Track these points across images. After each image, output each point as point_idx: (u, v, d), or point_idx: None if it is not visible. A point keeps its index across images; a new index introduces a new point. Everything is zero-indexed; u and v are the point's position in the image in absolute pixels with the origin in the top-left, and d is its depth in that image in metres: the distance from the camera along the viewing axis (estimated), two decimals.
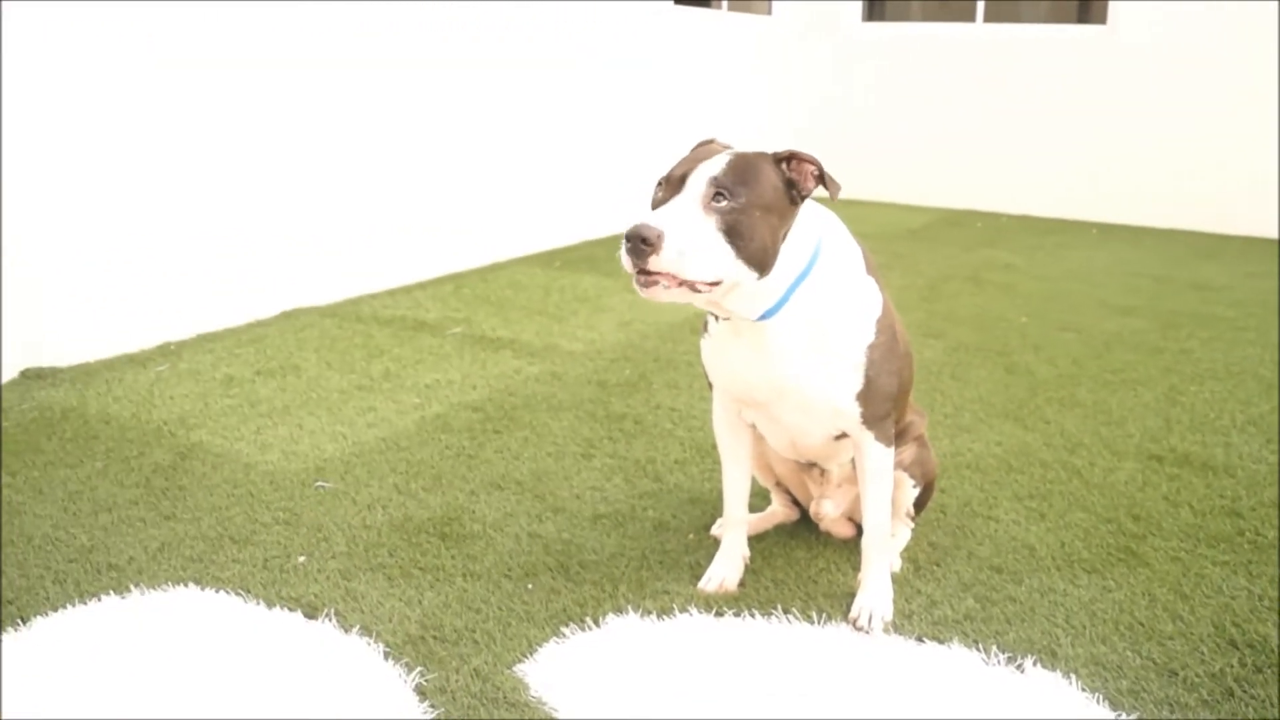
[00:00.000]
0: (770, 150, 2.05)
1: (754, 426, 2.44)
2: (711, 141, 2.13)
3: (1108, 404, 3.76)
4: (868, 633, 2.28)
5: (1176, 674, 2.14)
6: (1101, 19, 7.97)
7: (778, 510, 2.79)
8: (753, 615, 2.35)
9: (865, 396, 2.19)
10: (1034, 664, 2.16)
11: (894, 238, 7.14)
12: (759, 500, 2.79)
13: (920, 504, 2.61)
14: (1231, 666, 2.16)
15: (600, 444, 3.34)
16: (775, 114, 8.78)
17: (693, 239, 1.88)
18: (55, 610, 2.33)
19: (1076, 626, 2.30)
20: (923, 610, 2.37)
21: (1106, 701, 2.05)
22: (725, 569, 2.48)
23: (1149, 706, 2.03)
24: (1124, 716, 2.00)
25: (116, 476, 3.07)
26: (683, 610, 2.35)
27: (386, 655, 2.18)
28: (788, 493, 2.76)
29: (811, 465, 2.59)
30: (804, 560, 2.61)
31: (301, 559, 2.59)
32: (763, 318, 2.08)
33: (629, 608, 2.36)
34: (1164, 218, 7.86)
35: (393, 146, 5.46)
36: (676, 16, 7.47)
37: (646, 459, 3.22)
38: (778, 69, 8.84)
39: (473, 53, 5.81)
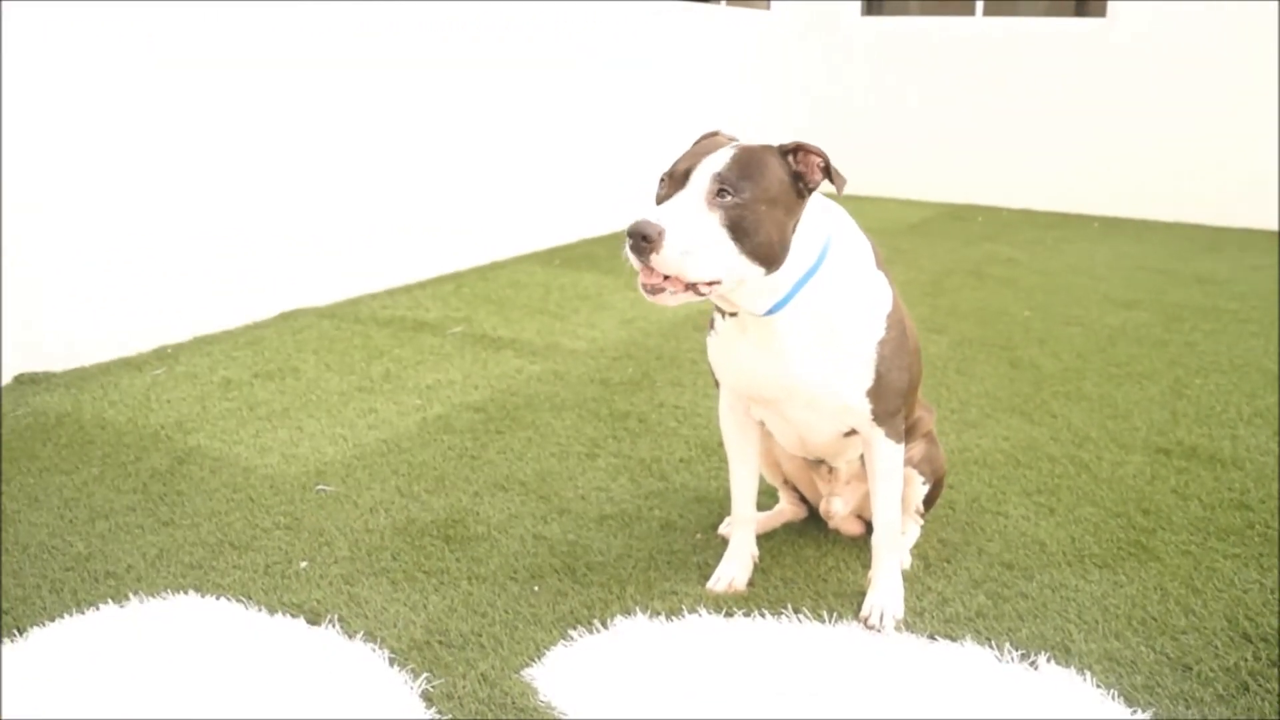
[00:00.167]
0: (776, 143, 2.02)
1: (761, 424, 2.41)
2: (716, 134, 2.10)
3: (1113, 398, 3.74)
4: (879, 631, 2.25)
5: (1191, 669, 2.11)
6: (1100, 12, 7.94)
7: (786, 508, 2.76)
8: (763, 615, 2.32)
9: (876, 393, 2.16)
10: (1048, 661, 2.13)
11: (895, 233, 7.11)
12: (767, 498, 2.77)
13: (930, 501, 2.58)
14: (1246, 660, 2.13)
15: (604, 443, 3.31)
16: (774, 110, 8.75)
17: (695, 236, 1.85)
18: (52, 620, 2.30)
19: (1089, 622, 2.28)
20: (934, 608, 2.34)
21: (1121, 698, 2.02)
22: (734, 568, 2.45)
23: (1164, 702, 2.01)
24: (1139, 713, 1.98)
25: (113, 482, 3.03)
26: (692, 611, 2.33)
27: (391, 661, 2.14)
28: (796, 491, 2.73)
29: (820, 463, 2.56)
30: (813, 559, 2.58)
31: (303, 564, 2.55)
32: (770, 312, 2.05)
33: (637, 609, 2.33)
34: (1165, 211, 7.83)
35: (390, 145, 5.43)
36: (675, 12, 7.44)
37: (652, 458, 3.19)
38: (777, 64, 8.82)
39: (469, 51, 5.78)
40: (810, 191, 2.01)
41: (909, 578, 2.45)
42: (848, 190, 2.03)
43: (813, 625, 2.29)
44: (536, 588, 2.44)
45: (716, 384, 2.40)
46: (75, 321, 4.11)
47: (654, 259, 1.83)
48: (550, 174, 6.56)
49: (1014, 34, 8.23)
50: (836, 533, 2.69)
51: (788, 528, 2.74)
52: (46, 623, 2.28)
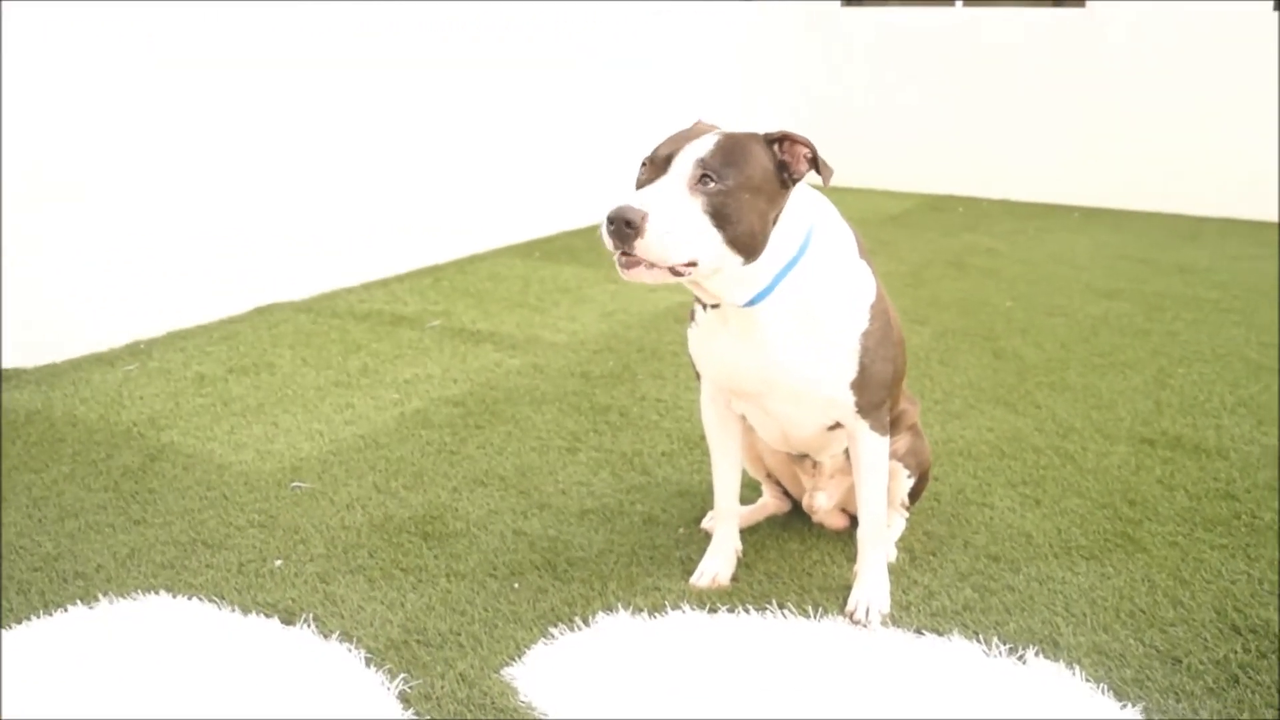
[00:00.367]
0: (762, 131, 1.98)
1: (744, 417, 2.37)
2: (699, 122, 2.06)
3: (1097, 388, 3.72)
4: (865, 626, 2.22)
5: (1180, 661, 2.09)
6: (1079, 2, 7.93)
7: (769, 502, 2.72)
8: (747, 610, 2.28)
9: (860, 385, 2.13)
10: (1036, 655, 2.11)
11: (875, 224, 7.09)
12: (750, 492, 2.73)
13: (915, 494, 2.55)
14: (1235, 653, 2.11)
15: (585, 437, 3.26)
16: (753, 101, 8.71)
17: (677, 221, 1.82)
18: (19, 623, 2.24)
19: (1077, 615, 2.25)
20: (920, 602, 2.31)
21: (1111, 692, 2.00)
22: (717, 563, 2.41)
23: (1154, 696, 1.98)
24: (1129, 707, 1.95)
25: (83, 480, 2.97)
26: (675, 607, 2.29)
27: (368, 661, 2.10)
28: (779, 484, 2.69)
29: (803, 456, 2.53)
30: (798, 553, 2.54)
31: (278, 562, 2.50)
32: (751, 304, 2.02)
33: (619, 606, 2.29)
34: (1144, 201, 7.83)
35: (367, 138, 5.36)
36: (652, 5, 7.38)
37: (633, 452, 3.15)
38: (755, 55, 8.78)
39: (444, 46, 5.71)
40: (795, 182, 1.97)
41: (895, 571, 2.41)
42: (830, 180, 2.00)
43: (798, 620, 2.25)
44: (516, 585, 2.39)
45: (698, 376, 2.37)
46: (46, 317, 4.03)
47: (638, 245, 1.79)
48: (529, 166, 6.51)
49: (993, 25, 8.21)
50: (821, 527, 2.66)
51: (771, 522, 2.71)
52: (13, 625, 2.23)
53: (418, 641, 2.16)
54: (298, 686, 2.01)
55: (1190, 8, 7.45)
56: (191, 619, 2.25)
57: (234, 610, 2.29)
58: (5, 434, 3.30)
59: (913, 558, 2.51)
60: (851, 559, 2.45)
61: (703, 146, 1.89)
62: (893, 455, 2.40)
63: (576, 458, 3.11)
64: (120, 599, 2.33)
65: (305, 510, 2.78)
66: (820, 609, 2.29)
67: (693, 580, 2.39)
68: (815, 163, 1.95)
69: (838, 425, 2.26)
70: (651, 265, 1.83)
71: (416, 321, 4.60)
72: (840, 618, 2.26)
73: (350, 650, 2.13)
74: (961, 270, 5.68)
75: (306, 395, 3.66)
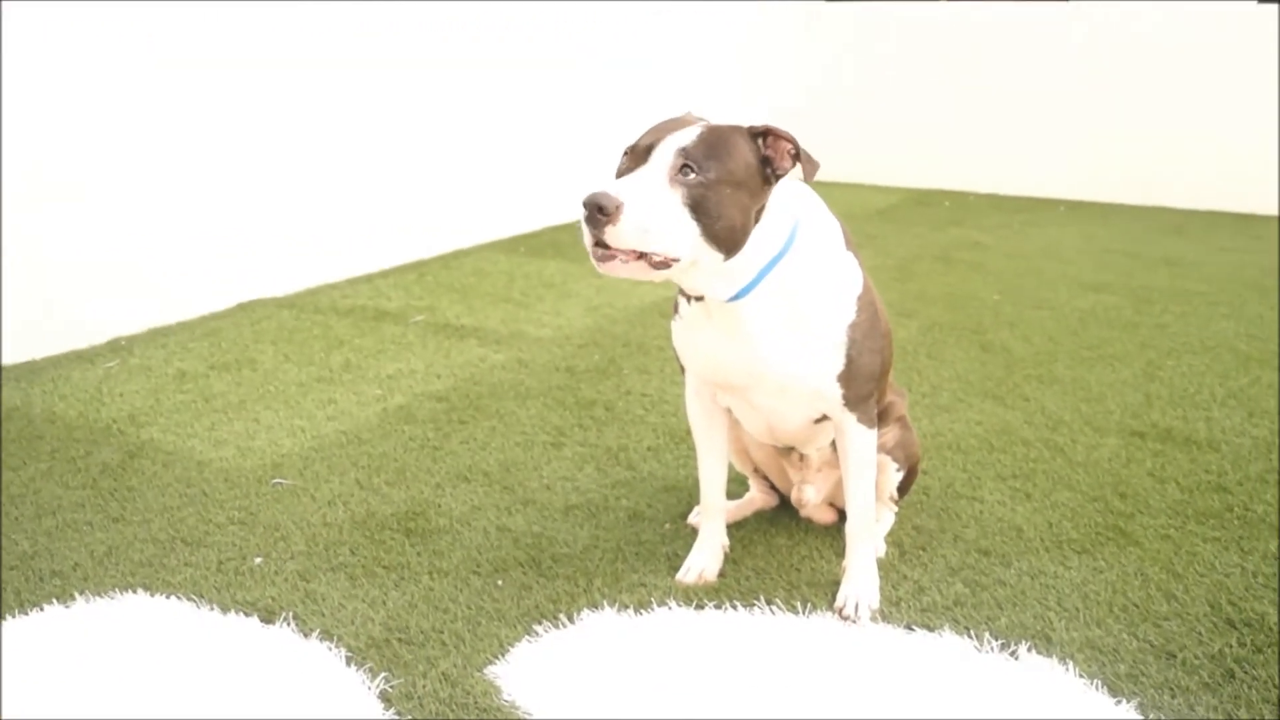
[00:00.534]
0: (746, 124, 1.94)
1: (730, 411, 2.34)
2: (689, 113, 2.02)
3: (1086, 380, 3.70)
4: (855, 622, 2.19)
5: (1175, 656, 2.06)
6: None
7: (756, 496, 2.69)
8: (734, 607, 2.25)
9: (847, 377, 2.10)
10: (1028, 650, 2.08)
11: (862, 218, 7.07)
12: (737, 486, 2.70)
13: (904, 488, 2.52)
14: (1230, 647, 2.09)
15: (570, 432, 3.23)
16: (737, 95, 8.67)
17: (655, 213, 1.78)
18: None
19: (1070, 609, 2.23)
20: (910, 597, 2.29)
21: (1105, 687, 1.97)
22: (704, 559, 2.38)
23: (1149, 691, 1.96)
24: (1124, 703, 1.92)
25: (61, 478, 2.92)
26: (661, 603, 2.25)
27: (349, 660, 2.06)
28: (766, 479, 2.66)
29: (790, 450, 2.49)
30: (786, 548, 2.51)
31: (258, 560, 2.46)
32: (734, 298, 1.98)
33: (604, 602, 2.26)
34: (1131, 194, 7.83)
35: (351, 134, 5.31)
36: (633, 1, 7.35)
37: (619, 447, 3.11)
38: (741, 49, 8.74)
39: (428, 44, 5.67)
40: (778, 178, 1.93)
41: (884, 566, 2.39)
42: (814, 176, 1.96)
43: (786, 616, 2.22)
44: (500, 582, 2.36)
45: (683, 370, 2.33)
46: (26, 314, 3.97)
47: (609, 232, 1.76)
48: (513, 161, 6.46)
49: (979, 19, 8.20)
50: (809, 521, 2.62)
51: (759, 516, 2.68)
52: None
53: (399, 640, 2.12)
54: (277, 686, 1.97)
55: (1176, 3, 7.45)
56: (170, 618, 2.21)
57: (213, 609, 2.24)
58: None
59: (902, 552, 2.48)
60: (840, 554, 2.42)
61: (685, 137, 1.86)
62: (881, 448, 2.37)
63: (561, 453, 3.08)
64: (97, 598, 2.28)
65: (286, 507, 2.74)
66: (809, 605, 2.26)
67: (679, 576, 2.36)
68: (799, 158, 1.92)
69: (824, 418, 2.22)
70: (627, 260, 1.80)
71: (400, 317, 4.56)
72: (829, 614, 2.23)
73: (331, 649, 2.09)
74: (948, 264, 5.66)
75: (288, 391, 3.61)
